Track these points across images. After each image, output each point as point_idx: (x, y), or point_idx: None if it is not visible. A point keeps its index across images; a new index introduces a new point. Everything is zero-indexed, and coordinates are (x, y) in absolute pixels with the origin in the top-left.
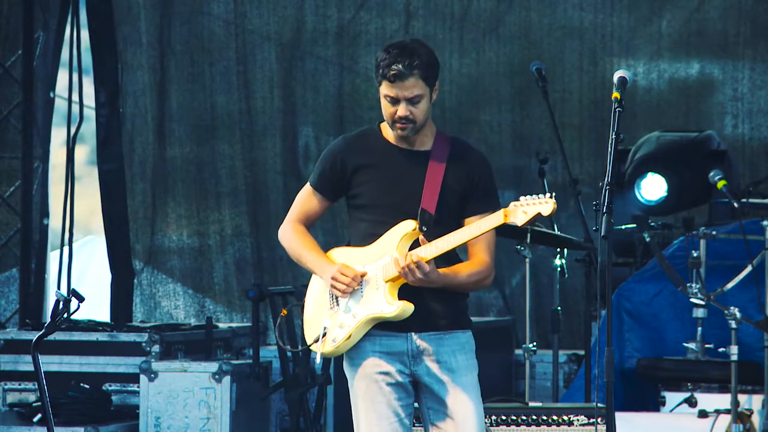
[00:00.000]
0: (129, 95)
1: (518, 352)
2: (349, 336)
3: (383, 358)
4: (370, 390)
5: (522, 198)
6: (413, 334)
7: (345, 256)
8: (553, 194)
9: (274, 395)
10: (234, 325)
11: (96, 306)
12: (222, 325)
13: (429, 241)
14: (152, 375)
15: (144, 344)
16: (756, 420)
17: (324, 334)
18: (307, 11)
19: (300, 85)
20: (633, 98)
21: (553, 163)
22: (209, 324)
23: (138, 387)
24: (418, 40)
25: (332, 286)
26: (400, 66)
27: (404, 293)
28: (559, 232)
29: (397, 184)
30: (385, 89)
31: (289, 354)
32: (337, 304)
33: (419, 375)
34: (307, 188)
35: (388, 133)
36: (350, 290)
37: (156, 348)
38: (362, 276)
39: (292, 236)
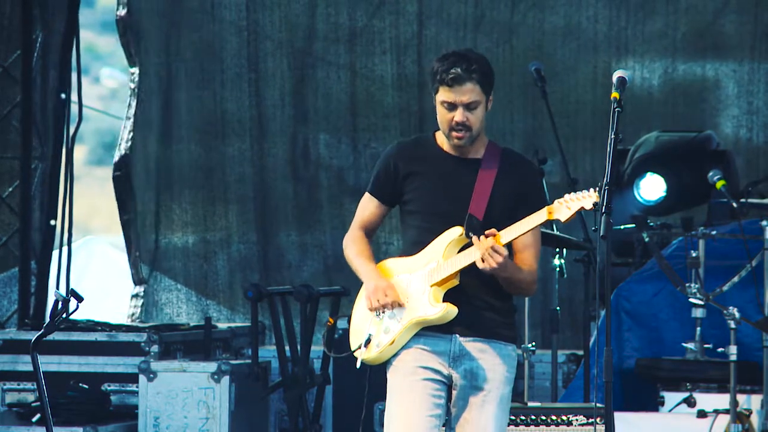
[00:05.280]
0: (138, 102)
1: (518, 351)
2: (393, 341)
3: (424, 354)
4: (406, 381)
5: (566, 195)
6: (458, 336)
7: (395, 265)
8: (595, 189)
9: (273, 395)
10: (233, 325)
11: (95, 306)
12: (221, 325)
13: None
14: (151, 375)
15: (143, 344)
16: (755, 420)
17: (368, 341)
18: (319, 18)
19: (312, 92)
20: (648, 110)
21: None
22: (208, 324)
23: (137, 387)
24: (472, 50)
25: (368, 297)
26: (459, 69)
27: (454, 298)
28: (558, 232)
29: (446, 192)
30: (442, 95)
31: (288, 354)
32: (383, 311)
33: (455, 377)
34: (365, 195)
35: (442, 141)
36: (381, 309)
37: (155, 348)
38: (400, 305)
39: (350, 244)
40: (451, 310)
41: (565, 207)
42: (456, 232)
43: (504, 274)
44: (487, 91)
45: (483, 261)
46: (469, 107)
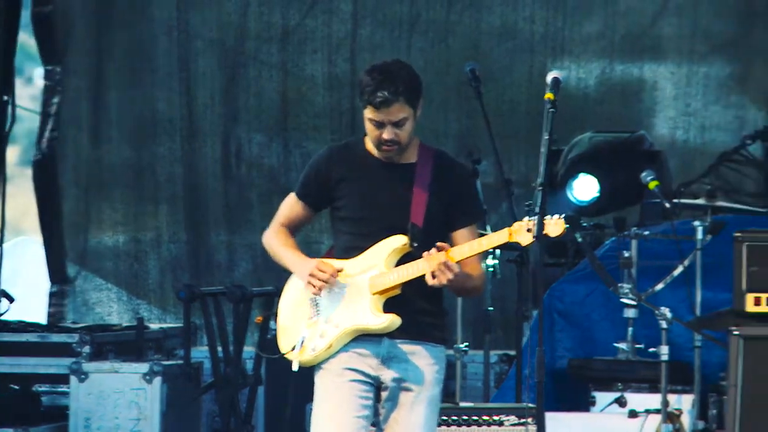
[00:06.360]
0: (65, 101)
1: (450, 352)
2: (330, 345)
3: (351, 356)
4: (333, 383)
5: (525, 218)
6: (386, 339)
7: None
8: (563, 215)
9: (205, 396)
10: (165, 325)
11: (27, 307)
12: (153, 326)
13: (418, 254)
14: (82, 376)
15: (74, 345)
16: (685, 420)
17: (302, 343)
18: (251, 17)
19: (243, 91)
20: (583, 111)
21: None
22: (140, 324)
23: (68, 388)
24: (399, 61)
25: (309, 282)
26: (386, 93)
27: (386, 301)
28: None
29: (380, 198)
30: (369, 114)
31: (220, 354)
32: (317, 314)
33: (384, 379)
34: (292, 196)
35: (373, 146)
36: (327, 287)
37: (86, 349)
38: (339, 271)
39: (272, 237)
40: (395, 321)
41: (526, 230)
42: (399, 240)
43: (454, 287)
44: (415, 105)
45: (434, 277)
46: (397, 125)
